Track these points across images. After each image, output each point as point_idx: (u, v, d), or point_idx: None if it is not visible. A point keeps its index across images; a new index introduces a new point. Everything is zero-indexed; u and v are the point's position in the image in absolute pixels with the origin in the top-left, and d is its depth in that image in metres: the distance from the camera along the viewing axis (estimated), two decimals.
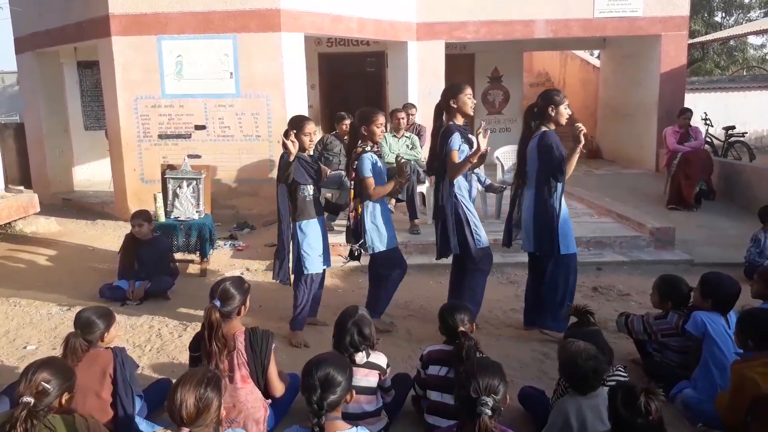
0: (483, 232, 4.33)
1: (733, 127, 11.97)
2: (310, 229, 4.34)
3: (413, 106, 8.08)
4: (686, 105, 9.69)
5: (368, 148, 4.36)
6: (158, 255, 5.53)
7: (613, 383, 2.75)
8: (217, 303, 3.08)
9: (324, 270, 4.54)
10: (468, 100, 4.23)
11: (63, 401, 2.46)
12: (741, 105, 15.11)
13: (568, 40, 11.59)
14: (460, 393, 2.23)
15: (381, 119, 4.32)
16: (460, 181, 4.29)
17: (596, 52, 15.58)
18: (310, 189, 4.33)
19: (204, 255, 6.07)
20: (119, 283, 5.39)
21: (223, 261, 6.60)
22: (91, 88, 11.06)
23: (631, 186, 9.65)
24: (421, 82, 9.89)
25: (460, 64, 12.22)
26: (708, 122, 11.79)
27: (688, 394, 3.28)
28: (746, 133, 12.59)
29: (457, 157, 4.15)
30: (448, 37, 9.92)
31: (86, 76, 11.05)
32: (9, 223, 7.56)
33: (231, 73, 8.05)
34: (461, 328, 3.01)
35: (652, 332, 3.60)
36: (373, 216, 4.37)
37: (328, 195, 6.79)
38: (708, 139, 11.23)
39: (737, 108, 14.91)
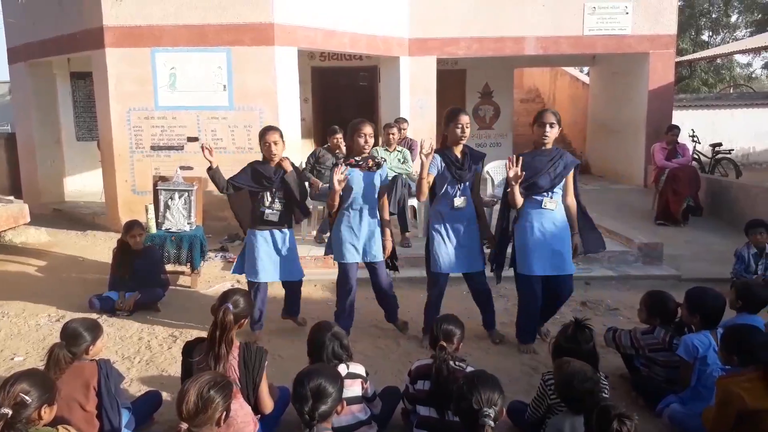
0: (444, 258, 4.40)
1: (720, 144, 12.14)
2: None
3: (405, 120, 8.15)
4: (674, 122, 9.81)
5: (358, 159, 4.42)
6: (149, 266, 5.52)
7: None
8: (230, 306, 3.10)
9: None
10: (457, 130, 4.28)
11: (42, 414, 2.45)
12: (728, 122, 15.32)
13: (558, 57, 11.74)
14: (461, 405, 2.26)
15: (365, 129, 4.34)
16: (437, 204, 4.43)
17: (586, 69, 15.79)
18: (266, 198, 4.52)
19: (195, 267, 6.07)
20: (109, 293, 5.37)
21: (214, 273, 6.60)
22: (83, 99, 11.06)
23: (620, 201, 9.74)
24: (413, 96, 9.99)
25: (452, 79, 12.36)
26: (695, 139, 11.94)
27: (674, 408, 3.32)
28: (733, 150, 12.76)
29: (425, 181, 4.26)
30: (440, 53, 10.03)
31: (79, 87, 11.05)
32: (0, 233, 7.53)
33: (224, 86, 8.09)
34: (441, 342, 3.05)
35: (640, 347, 3.64)
36: (337, 226, 4.49)
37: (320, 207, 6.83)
38: (695, 156, 11.37)
39: (724, 125, 15.12)
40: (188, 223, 6.19)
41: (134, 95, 8.04)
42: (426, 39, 9.89)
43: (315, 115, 12.03)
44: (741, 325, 3.13)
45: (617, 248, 6.73)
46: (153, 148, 8.20)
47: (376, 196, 4.51)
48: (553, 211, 4.24)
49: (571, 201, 4.38)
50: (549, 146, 4.23)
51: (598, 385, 2.78)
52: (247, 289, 4.28)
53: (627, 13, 9.97)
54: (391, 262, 4.72)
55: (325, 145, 7.69)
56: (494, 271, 4.57)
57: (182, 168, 7.87)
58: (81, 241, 8.06)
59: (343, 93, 12.31)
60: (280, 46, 8.02)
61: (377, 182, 4.48)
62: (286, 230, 4.64)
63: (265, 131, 4.54)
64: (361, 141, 4.35)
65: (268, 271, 4.61)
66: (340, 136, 7.31)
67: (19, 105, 10.13)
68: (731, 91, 21.79)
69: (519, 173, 4.04)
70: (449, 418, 2.98)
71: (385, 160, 4.93)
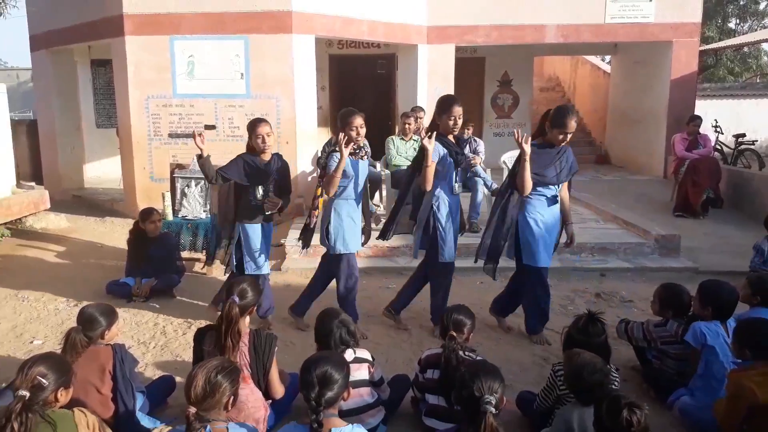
0: (450, 248, 4.40)
1: (744, 135, 11.93)
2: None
3: (421, 109, 8.12)
4: (697, 112, 9.66)
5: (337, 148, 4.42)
6: (165, 252, 5.59)
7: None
8: (236, 299, 3.14)
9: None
10: (450, 122, 4.29)
11: (59, 396, 2.50)
12: (752, 112, 15.05)
13: (579, 45, 11.58)
14: (462, 393, 2.27)
15: (356, 121, 4.31)
16: (439, 194, 4.37)
17: (607, 58, 15.57)
18: (258, 192, 4.49)
19: (210, 254, 6.12)
20: (126, 279, 5.46)
21: None
22: (103, 87, 11.18)
23: (639, 192, 9.63)
24: (431, 84, 9.92)
25: (471, 67, 12.25)
26: (718, 129, 11.76)
27: (685, 401, 3.29)
28: (756, 140, 12.54)
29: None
30: (459, 41, 9.95)
31: (99, 75, 11.16)
32: (20, 218, 7.66)
33: (242, 74, 8.12)
34: (451, 332, 3.06)
35: (652, 339, 3.62)
36: (339, 216, 4.43)
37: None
38: (718, 147, 11.19)
39: (749, 115, 14.85)
40: (204, 211, 6.25)
41: (153, 83, 8.10)
42: (445, 27, 9.81)
43: (332, 104, 12.01)
44: (755, 319, 3.09)
45: (634, 240, 6.67)
46: (171, 135, 8.27)
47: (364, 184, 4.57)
48: (556, 204, 4.28)
49: (565, 193, 4.43)
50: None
51: (608, 377, 2.77)
52: (255, 278, 4.27)
53: (650, 1, 9.79)
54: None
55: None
56: (486, 266, 4.42)
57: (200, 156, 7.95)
58: (99, 227, 8.18)
59: (361, 81, 12.27)
60: (297, 34, 8.02)
61: (366, 171, 4.54)
62: (270, 225, 4.67)
63: (257, 123, 4.48)
64: (353, 133, 4.32)
65: (266, 263, 4.67)
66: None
67: (40, 92, 10.28)
68: (757, 80, 21.38)
69: (525, 145, 4.01)
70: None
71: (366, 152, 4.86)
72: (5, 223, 7.41)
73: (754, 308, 3.67)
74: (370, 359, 3.22)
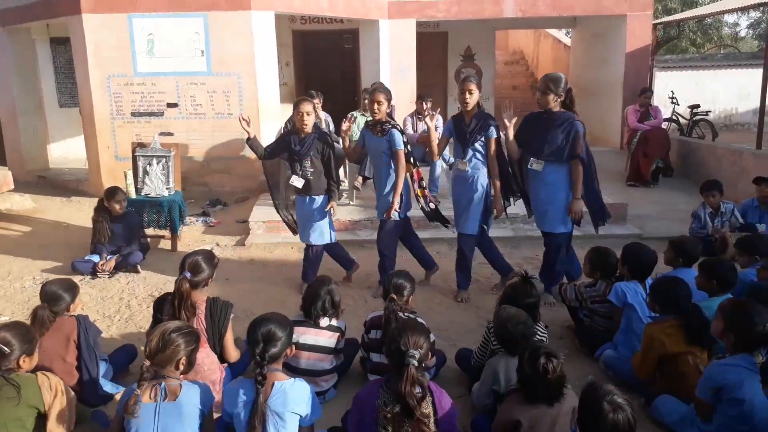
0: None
1: (698, 106, 12.29)
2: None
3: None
4: (657, 83, 9.95)
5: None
6: (129, 229, 5.74)
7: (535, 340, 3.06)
8: (188, 274, 3.33)
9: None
10: (461, 96, 4.62)
11: (21, 363, 2.68)
12: (711, 83, 15.42)
13: (538, 19, 11.76)
14: (390, 347, 2.51)
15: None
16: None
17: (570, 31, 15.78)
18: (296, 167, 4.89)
19: (174, 230, 6.28)
20: (91, 256, 5.60)
21: (194, 236, 6.82)
22: (65, 65, 11.04)
23: (595, 163, 9.93)
24: (393, 59, 10.05)
25: (434, 42, 12.39)
26: (675, 101, 12.10)
27: (608, 354, 3.61)
28: (710, 111, 12.91)
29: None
30: (419, 16, 10.06)
31: (59, 53, 11.02)
32: None
33: (202, 51, 8.17)
34: (391, 294, 3.31)
35: (583, 299, 3.92)
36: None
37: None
38: (674, 118, 11.55)
39: (708, 86, 15.23)
40: (167, 189, 6.37)
41: (113, 61, 8.11)
42: (405, 2, 9.91)
43: (297, 79, 12.08)
44: (666, 277, 3.40)
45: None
46: (134, 114, 8.32)
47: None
48: (539, 172, 4.50)
49: (574, 164, 4.50)
50: (555, 110, 4.45)
51: (531, 329, 3.04)
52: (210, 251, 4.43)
53: None
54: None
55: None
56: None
57: (162, 134, 8.03)
58: (65, 207, 8.24)
59: (326, 56, 12.34)
60: (256, 11, 8.07)
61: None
62: (316, 197, 4.86)
63: (300, 102, 4.75)
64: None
65: (304, 233, 4.99)
66: (317, 101, 7.43)
67: None
68: (721, 51, 21.82)
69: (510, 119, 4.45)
70: None
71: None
72: None
73: (676, 269, 3.99)
74: (343, 329, 3.47)
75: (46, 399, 2.68)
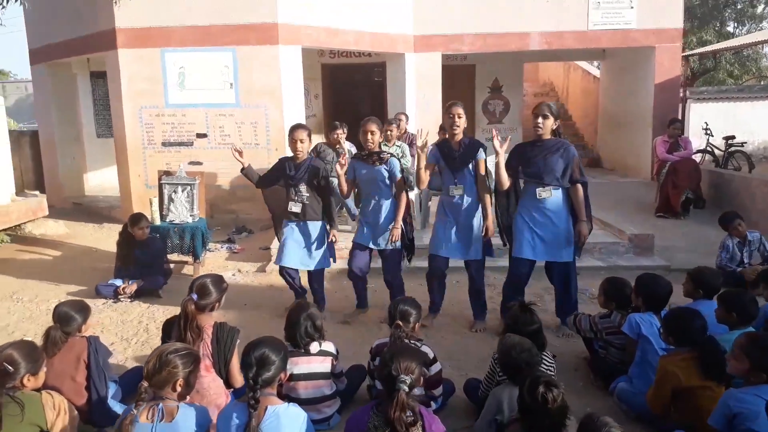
0: (438, 242, 4.79)
1: (733, 137, 12.02)
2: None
3: (404, 114, 8.35)
4: (692, 115, 9.79)
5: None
6: (152, 255, 5.85)
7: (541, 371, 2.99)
8: (194, 296, 3.37)
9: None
10: (448, 120, 4.58)
11: (25, 381, 2.71)
12: (748, 115, 15.10)
13: (566, 52, 11.79)
14: (382, 372, 2.48)
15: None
16: (441, 193, 4.81)
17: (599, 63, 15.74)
18: (291, 193, 4.92)
19: (197, 256, 6.38)
20: (114, 280, 5.72)
21: (218, 263, 6.91)
22: (103, 98, 11.45)
23: (625, 195, 9.80)
24: (419, 92, 10.18)
25: (461, 74, 12.51)
26: (708, 132, 11.87)
27: (622, 387, 3.49)
28: (746, 142, 12.62)
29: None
30: (445, 49, 10.19)
31: (98, 86, 11.44)
32: (19, 225, 7.96)
33: (231, 84, 8.40)
34: (397, 321, 3.28)
35: (598, 330, 3.82)
36: None
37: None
38: (708, 149, 11.33)
39: (744, 117, 14.90)
40: (191, 215, 6.50)
41: (145, 93, 8.40)
42: (430, 36, 10.06)
43: (325, 111, 12.29)
44: (680, 308, 3.29)
45: (609, 240, 6.85)
46: (164, 144, 8.56)
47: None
48: (546, 200, 4.43)
49: (575, 189, 4.49)
50: (545, 137, 4.42)
51: (536, 357, 2.97)
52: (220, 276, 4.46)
53: (632, 8, 10.00)
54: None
55: (326, 141, 7.94)
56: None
57: (191, 163, 8.26)
58: (96, 233, 8.47)
59: (354, 89, 12.55)
60: (284, 45, 8.30)
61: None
62: (311, 222, 4.93)
63: (294, 129, 4.88)
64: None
65: (292, 258, 4.94)
66: (340, 131, 7.56)
67: (40, 104, 10.62)
68: (760, 83, 21.38)
69: (498, 146, 4.36)
70: None
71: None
72: (5, 230, 7.71)
73: (696, 301, 3.86)
74: (335, 353, 3.44)
75: (49, 417, 2.71)
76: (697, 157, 9.54)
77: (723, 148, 11.77)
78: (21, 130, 14.04)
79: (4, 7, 5.56)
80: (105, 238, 8.19)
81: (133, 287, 5.58)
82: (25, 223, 8.01)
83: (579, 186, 4.46)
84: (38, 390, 2.83)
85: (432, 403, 3.36)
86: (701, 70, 22.35)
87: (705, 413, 2.93)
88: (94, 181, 11.46)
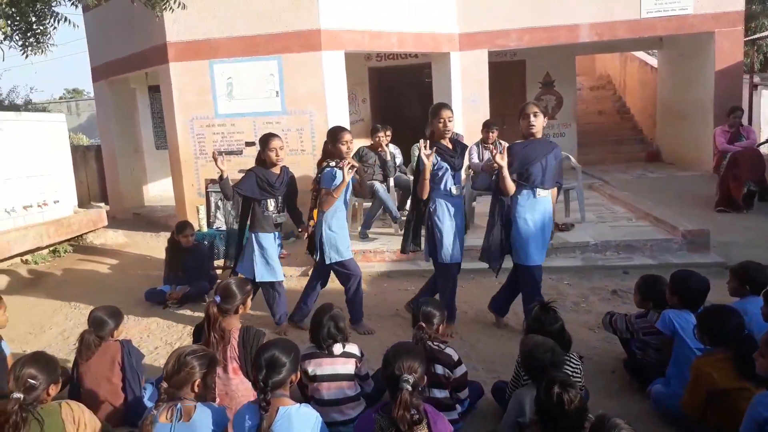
0: (450, 250, 4.53)
1: None
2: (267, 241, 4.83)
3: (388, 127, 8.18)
4: (764, 102, 9.27)
5: (332, 163, 4.70)
6: (198, 262, 6.03)
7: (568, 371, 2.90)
8: (218, 299, 3.46)
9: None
10: (439, 124, 4.50)
11: (50, 391, 2.75)
12: None
13: (619, 42, 11.38)
14: (385, 372, 2.47)
15: (346, 137, 4.65)
16: (437, 195, 4.55)
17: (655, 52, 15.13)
18: (269, 204, 4.81)
19: (231, 263, 6.51)
20: (162, 287, 5.93)
21: None
22: (160, 111, 11.92)
23: (683, 189, 9.37)
24: (465, 90, 10.08)
25: (511, 70, 12.30)
26: None
27: (658, 389, 3.33)
28: None
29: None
30: (491, 46, 10.04)
31: (156, 100, 11.95)
32: (81, 235, 8.38)
33: (277, 92, 8.58)
34: (420, 323, 3.24)
35: (634, 330, 3.66)
36: (329, 227, 4.72)
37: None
38: None
39: None
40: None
41: (196, 105, 8.69)
42: (475, 33, 9.94)
43: (373, 115, 12.34)
44: (717, 306, 3.10)
45: (661, 236, 6.56)
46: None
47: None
48: (545, 199, 4.37)
49: (554, 191, 4.53)
50: (538, 136, 4.34)
51: (560, 356, 2.88)
52: (245, 279, 4.47)
53: None
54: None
55: (370, 144, 7.97)
56: (492, 266, 4.58)
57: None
58: (152, 241, 8.82)
59: (402, 91, 12.55)
60: (327, 51, 8.40)
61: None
62: (279, 232, 4.99)
63: (270, 137, 4.77)
64: (343, 148, 4.68)
65: (280, 271, 4.96)
66: (382, 134, 7.59)
67: (101, 119, 11.18)
68: None
69: (500, 160, 4.19)
70: (429, 395, 3.17)
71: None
72: (68, 240, 8.14)
73: (744, 299, 3.63)
74: (359, 354, 3.44)
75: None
76: (764, 148, 8.99)
77: None
78: (88, 145, 14.81)
79: (55, 27, 5.85)
80: (160, 245, 8.48)
81: (180, 293, 5.77)
82: (86, 233, 8.43)
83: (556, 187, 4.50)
84: (83, 397, 2.92)
85: (458, 405, 3.31)
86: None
87: (743, 416, 2.76)
88: (154, 191, 11.96)
